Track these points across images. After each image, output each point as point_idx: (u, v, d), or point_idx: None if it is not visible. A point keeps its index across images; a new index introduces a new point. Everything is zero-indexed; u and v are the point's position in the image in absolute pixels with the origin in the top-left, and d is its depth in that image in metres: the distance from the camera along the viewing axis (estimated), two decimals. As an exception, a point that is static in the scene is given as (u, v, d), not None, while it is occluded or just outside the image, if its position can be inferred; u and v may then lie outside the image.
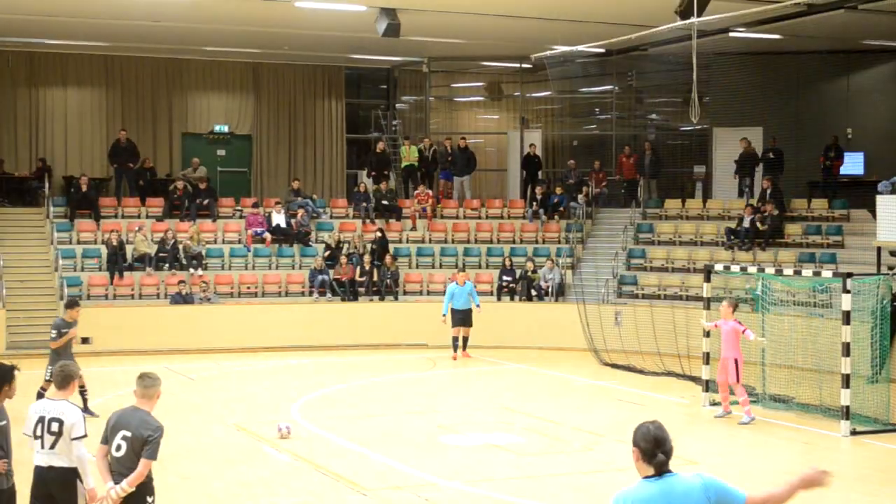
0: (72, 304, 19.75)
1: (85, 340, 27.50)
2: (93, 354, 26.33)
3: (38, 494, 9.94)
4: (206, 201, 33.98)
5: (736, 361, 19.78)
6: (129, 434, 9.58)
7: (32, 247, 31.81)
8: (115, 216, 33.30)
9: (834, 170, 34.04)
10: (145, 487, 9.71)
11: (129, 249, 31.40)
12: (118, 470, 9.63)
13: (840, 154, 34.12)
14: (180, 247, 31.78)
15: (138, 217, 33.39)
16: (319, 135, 38.78)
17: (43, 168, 34.66)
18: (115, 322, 28.83)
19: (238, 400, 22.16)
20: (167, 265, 31.32)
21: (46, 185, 33.28)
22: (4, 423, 9.94)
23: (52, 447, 9.80)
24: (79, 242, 32.00)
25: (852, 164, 34.58)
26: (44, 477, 9.90)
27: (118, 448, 9.64)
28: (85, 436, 9.94)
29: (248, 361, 27.93)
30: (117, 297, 30.51)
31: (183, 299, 30.22)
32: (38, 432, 9.88)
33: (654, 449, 6.50)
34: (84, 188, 32.91)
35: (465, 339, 28.94)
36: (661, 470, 6.50)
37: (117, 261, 30.70)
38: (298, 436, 18.31)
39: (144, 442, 9.54)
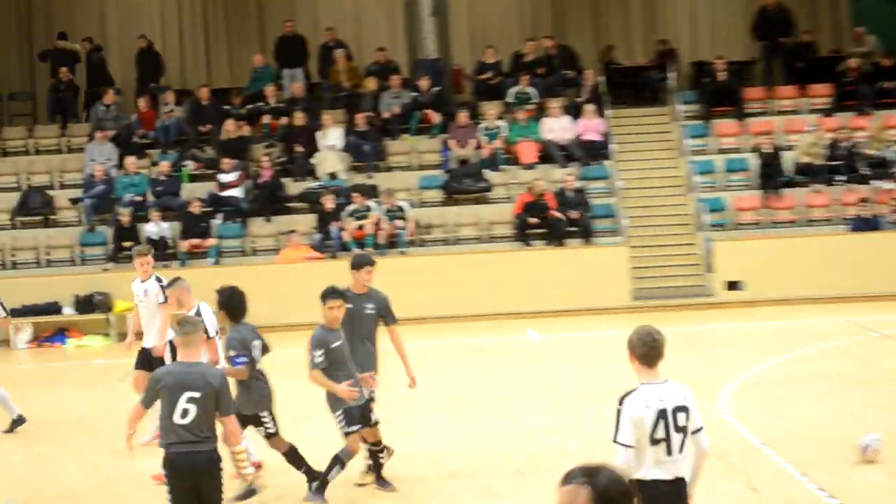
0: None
1: (733, 286, 24.14)
2: (745, 305, 23.28)
3: None
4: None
5: None
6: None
7: (657, 159, 27.47)
8: (765, 113, 27.89)
9: None
10: None
11: (787, 157, 26.40)
12: None
13: None
14: (857, 151, 26.47)
15: (795, 113, 27.70)
16: None
17: (665, 53, 29.92)
18: (769, 258, 24.18)
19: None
20: (842, 177, 26.01)
21: (670, 75, 28.76)
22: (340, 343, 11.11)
23: (681, 450, 7.85)
24: (719, 151, 27.35)
25: None
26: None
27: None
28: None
29: None
30: (775, 222, 25.77)
31: (865, 224, 25.19)
32: (660, 433, 7.70)
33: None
34: (721, 77, 28.12)
35: None
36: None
37: (772, 174, 25.96)
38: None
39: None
